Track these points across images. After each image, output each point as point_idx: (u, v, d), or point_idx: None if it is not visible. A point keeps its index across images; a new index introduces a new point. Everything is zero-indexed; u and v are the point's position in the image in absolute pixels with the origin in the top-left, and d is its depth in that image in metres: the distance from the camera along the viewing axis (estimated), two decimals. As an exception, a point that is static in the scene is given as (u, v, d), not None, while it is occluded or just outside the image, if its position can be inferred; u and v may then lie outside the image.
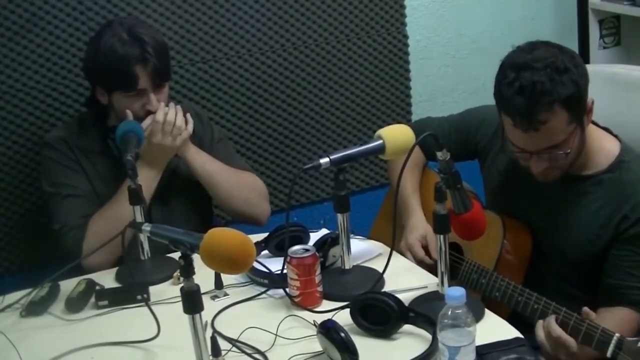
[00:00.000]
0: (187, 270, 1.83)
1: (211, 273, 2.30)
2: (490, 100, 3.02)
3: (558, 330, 2.23)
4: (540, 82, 2.27)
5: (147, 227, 1.91)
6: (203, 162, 2.89)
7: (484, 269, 2.55)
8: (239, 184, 2.95)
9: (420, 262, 2.66)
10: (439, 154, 2.11)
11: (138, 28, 2.79)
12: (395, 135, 2.32)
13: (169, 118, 2.75)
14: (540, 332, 2.28)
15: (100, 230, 2.65)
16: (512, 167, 2.61)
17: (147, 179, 2.72)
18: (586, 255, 2.50)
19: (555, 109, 2.27)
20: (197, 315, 1.86)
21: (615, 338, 2.15)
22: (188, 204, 2.99)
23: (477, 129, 2.76)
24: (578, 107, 2.33)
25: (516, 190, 2.64)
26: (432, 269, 2.58)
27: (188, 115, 2.83)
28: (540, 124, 2.29)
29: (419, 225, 2.75)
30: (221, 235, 1.78)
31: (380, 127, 3.69)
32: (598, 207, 2.47)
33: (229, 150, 3.11)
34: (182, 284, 2.44)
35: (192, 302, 1.85)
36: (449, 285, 2.15)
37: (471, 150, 2.79)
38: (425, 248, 2.70)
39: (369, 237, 2.76)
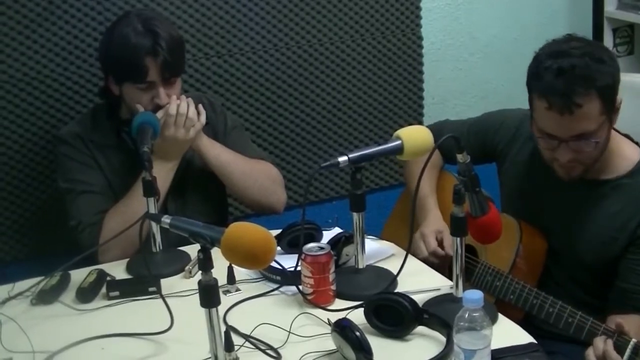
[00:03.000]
0: (206, 264, 1.82)
1: (223, 267, 2.29)
2: (500, 104, 3.04)
3: (614, 357, 2.21)
4: (580, 67, 2.31)
5: (166, 219, 1.90)
6: (217, 153, 2.88)
7: (498, 272, 2.56)
8: (253, 173, 2.94)
9: (431, 254, 2.66)
10: (460, 157, 2.11)
11: (154, 21, 2.78)
12: (414, 136, 2.32)
13: (181, 110, 2.74)
14: (592, 358, 2.25)
15: (115, 227, 2.62)
16: (530, 170, 2.61)
17: (162, 173, 2.71)
18: (601, 259, 2.50)
19: (591, 94, 2.30)
20: (214, 310, 1.85)
21: (632, 343, 2.17)
22: (203, 196, 2.98)
23: (496, 131, 2.77)
24: (610, 100, 2.36)
25: (533, 192, 2.65)
26: (441, 267, 2.59)
27: (200, 106, 2.82)
28: (576, 107, 2.30)
29: (436, 221, 2.75)
30: (243, 230, 1.78)
31: (392, 127, 3.75)
32: (615, 211, 2.48)
33: (243, 139, 3.09)
34: (193, 277, 2.50)
35: (209, 296, 1.84)
36: (464, 287, 2.15)
37: (489, 153, 2.79)
38: (439, 242, 2.69)
39: (381, 238, 2.76)
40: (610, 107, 2.37)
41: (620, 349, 2.19)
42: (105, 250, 2.64)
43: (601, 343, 2.23)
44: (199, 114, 2.80)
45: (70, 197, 2.84)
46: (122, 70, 2.76)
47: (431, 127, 2.88)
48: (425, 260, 2.66)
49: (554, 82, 2.33)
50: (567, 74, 2.31)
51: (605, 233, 2.49)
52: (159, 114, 2.73)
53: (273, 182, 3.01)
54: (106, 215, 2.77)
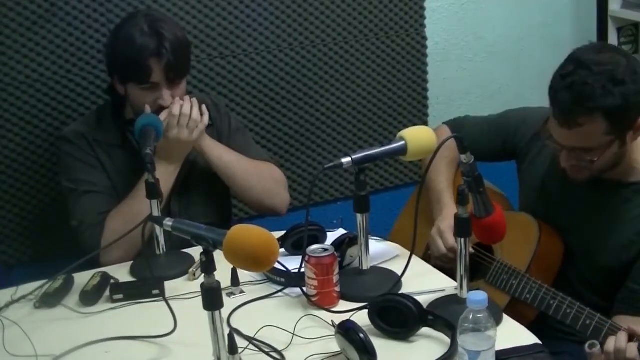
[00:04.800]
0: (208, 267, 1.82)
1: (227, 269, 2.29)
2: (506, 104, 3.04)
3: (634, 353, 2.17)
4: (591, 86, 2.27)
5: (168, 221, 1.89)
6: (220, 154, 2.88)
7: (515, 270, 2.54)
8: (256, 174, 2.93)
9: (450, 250, 2.64)
10: (463, 157, 2.10)
11: (161, 22, 2.77)
12: (417, 136, 2.31)
13: (184, 111, 2.73)
14: (611, 347, 2.20)
15: (117, 228, 2.62)
16: (550, 170, 2.60)
17: (166, 174, 2.71)
18: (619, 262, 2.48)
19: (595, 116, 2.28)
20: (217, 312, 1.85)
21: None
22: (207, 196, 2.98)
23: (517, 130, 2.76)
24: (621, 121, 2.32)
25: (553, 192, 2.63)
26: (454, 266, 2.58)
27: (204, 107, 2.81)
28: (576, 125, 2.30)
29: (452, 216, 2.72)
30: (245, 232, 1.77)
31: (397, 128, 3.74)
32: (637, 214, 2.46)
33: (247, 140, 3.09)
34: (197, 280, 2.49)
35: (212, 298, 1.83)
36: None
37: (509, 151, 2.79)
38: None
39: (392, 235, 2.76)
40: (621, 128, 2.34)
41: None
42: (107, 252, 2.64)
43: (625, 338, 2.16)
44: (202, 114, 2.79)
45: (73, 197, 2.83)
46: (127, 70, 2.76)
47: (450, 123, 2.88)
48: (436, 260, 2.66)
49: (561, 94, 2.31)
50: (575, 90, 2.28)
51: (625, 236, 2.46)
52: (162, 116, 2.72)
53: (276, 183, 3.01)
54: (108, 216, 2.76)
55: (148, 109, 2.73)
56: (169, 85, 2.76)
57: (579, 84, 2.28)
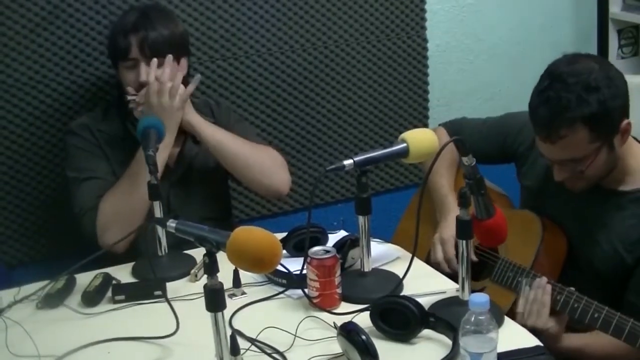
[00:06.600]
0: (211, 268, 1.82)
1: (229, 271, 2.30)
2: (506, 106, 3.04)
3: (548, 301, 2.29)
4: (567, 98, 2.29)
5: (172, 223, 1.90)
6: (212, 132, 2.87)
7: (520, 267, 2.55)
8: (253, 153, 2.91)
9: (447, 262, 2.65)
10: (465, 159, 2.10)
11: (150, 7, 2.86)
12: (419, 139, 2.31)
13: (150, 78, 2.74)
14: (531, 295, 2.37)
15: (110, 208, 2.69)
16: (549, 175, 2.60)
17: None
18: (615, 270, 2.48)
19: (576, 126, 2.30)
20: (220, 314, 1.85)
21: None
22: (206, 192, 2.99)
23: (517, 133, 2.77)
24: (603, 127, 2.33)
25: (552, 197, 2.64)
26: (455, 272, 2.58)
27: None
28: (558, 138, 2.32)
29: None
30: (249, 234, 1.77)
31: (398, 130, 3.75)
32: (633, 223, 2.46)
33: (247, 129, 3.10)
34: (199, 281, 2.49)
35: (215, 300, 1.84)
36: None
37: (508, 155, 2.81)
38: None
39: (395, 237, 2.78)
40: (605, 133, 2.35)
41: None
42: (104, 232, 2.67)
43: (546, 279, 2.37)
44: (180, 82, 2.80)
45: (74, 184, 2.86)
46: (112, 50, 2.85)
47: (448, 126, 2.89)
48: (433, 266, 2.65)
49: (539, 109, 2.35)
50: (552, 104, 2.31)
51: (620, 245, 2.47)
52: (141, 93, 2.76)
53: (274, 162, 2.98)
54: (101, 199, 2.77)
55: (131, 91, 2.77)
56: (147, 61, 2.78)
57: (554, 97, 2.31)
